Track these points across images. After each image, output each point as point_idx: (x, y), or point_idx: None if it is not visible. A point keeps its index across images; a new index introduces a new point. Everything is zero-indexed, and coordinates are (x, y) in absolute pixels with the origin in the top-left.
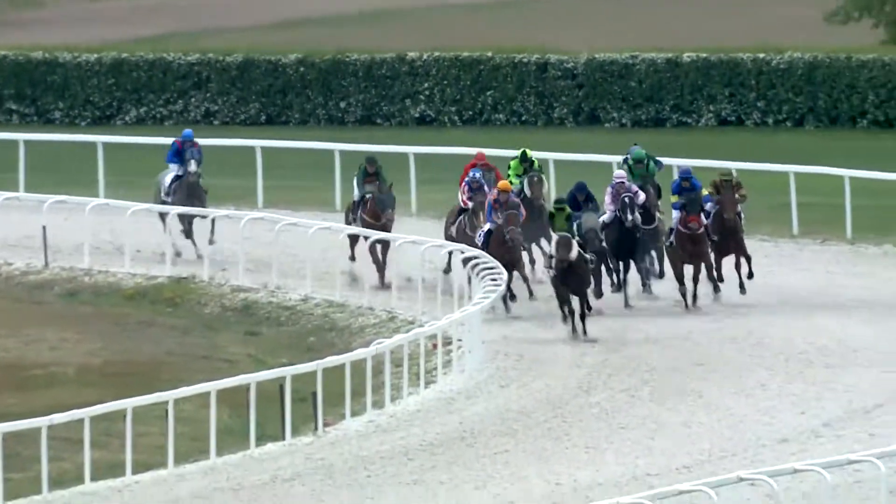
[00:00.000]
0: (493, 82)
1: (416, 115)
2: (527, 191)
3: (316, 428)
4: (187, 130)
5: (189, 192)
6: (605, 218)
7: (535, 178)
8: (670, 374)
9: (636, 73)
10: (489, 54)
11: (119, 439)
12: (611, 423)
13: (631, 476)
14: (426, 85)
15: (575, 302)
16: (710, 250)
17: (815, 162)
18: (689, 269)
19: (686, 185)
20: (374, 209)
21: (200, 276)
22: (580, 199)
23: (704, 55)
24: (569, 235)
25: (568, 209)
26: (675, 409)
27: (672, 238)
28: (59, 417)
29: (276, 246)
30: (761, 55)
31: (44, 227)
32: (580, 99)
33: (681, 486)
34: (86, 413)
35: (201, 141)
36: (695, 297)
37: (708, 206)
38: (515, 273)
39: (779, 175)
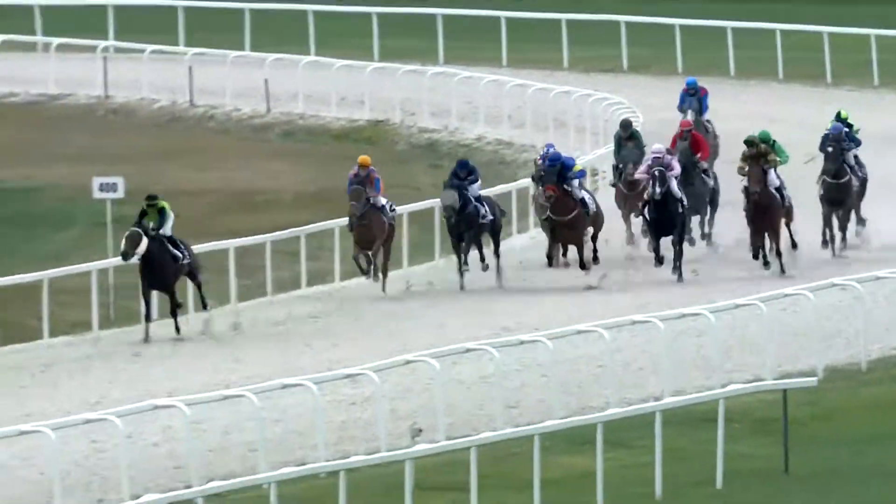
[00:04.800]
0: None
1: None
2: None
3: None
4: (691, 78)
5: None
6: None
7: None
8: None
9: None
10: None
11: (329, 252)
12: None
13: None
14: None
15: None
16: (580, 229)
17: None
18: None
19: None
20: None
21: (393, 119)
22: (462, 175)
23: None
24: (138, 230)
25: (161, 203)
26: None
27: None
28: (280, 234)
29: (454, 95)
30: None
31: (266, 80)
32: None
33: (785, 290)
34: (301, 231)
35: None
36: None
37: (576, 182)
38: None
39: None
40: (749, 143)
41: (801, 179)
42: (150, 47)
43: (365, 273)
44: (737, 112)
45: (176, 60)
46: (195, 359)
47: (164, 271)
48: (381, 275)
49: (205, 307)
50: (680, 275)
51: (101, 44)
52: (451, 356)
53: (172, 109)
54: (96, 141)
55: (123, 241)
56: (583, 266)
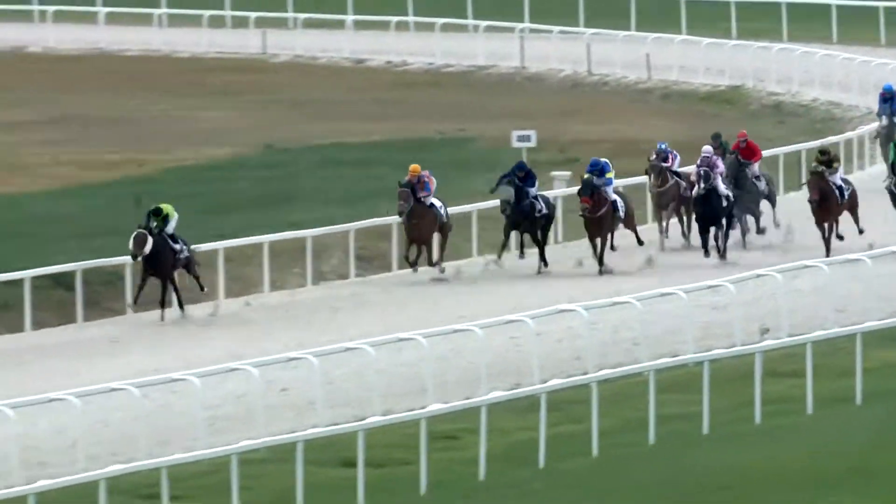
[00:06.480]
0: None
1: None
2: None
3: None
4: (887, 84)
5: (887, 138)
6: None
7: None
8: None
9: None
10: None
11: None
12: None
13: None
14: None
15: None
16: (606, 228)
17: None
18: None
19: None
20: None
21: (747, 84)
22: (520, 175)
23: None
24: (144, 232)
25: (166, 211)
26: None
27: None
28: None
29: (795, 66)
30: None
31: (647, 54)
32: None
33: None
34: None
35: None
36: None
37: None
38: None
39: None
40: (822, 151)
41: None
42: (556, 28)
43: (413, 265)
44: None
45: (577, 39)
46: (590, 277)
47: (163, 260)
48: (433, 264)
49: (201, 288)
50: (723, 254)
51: (519, 25)
52: (792, 271)
53: (574, 77)
54: (514, 102)
55: (131, 243)
56: (600, 261)
